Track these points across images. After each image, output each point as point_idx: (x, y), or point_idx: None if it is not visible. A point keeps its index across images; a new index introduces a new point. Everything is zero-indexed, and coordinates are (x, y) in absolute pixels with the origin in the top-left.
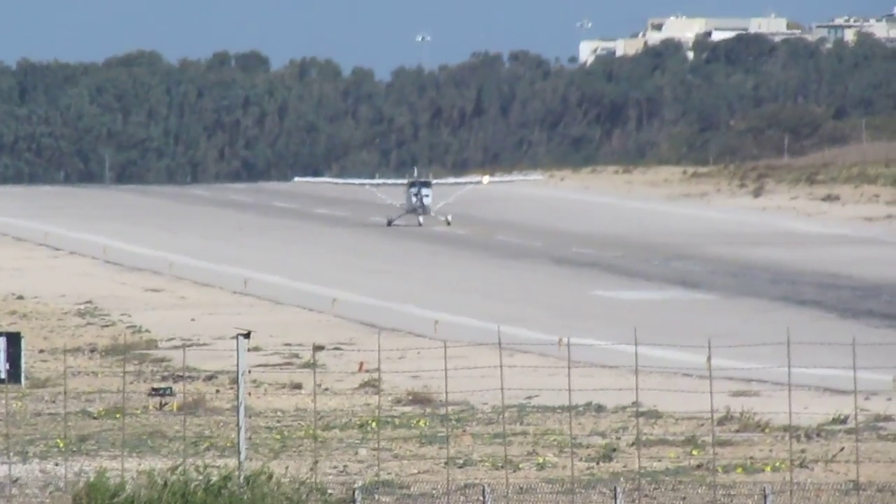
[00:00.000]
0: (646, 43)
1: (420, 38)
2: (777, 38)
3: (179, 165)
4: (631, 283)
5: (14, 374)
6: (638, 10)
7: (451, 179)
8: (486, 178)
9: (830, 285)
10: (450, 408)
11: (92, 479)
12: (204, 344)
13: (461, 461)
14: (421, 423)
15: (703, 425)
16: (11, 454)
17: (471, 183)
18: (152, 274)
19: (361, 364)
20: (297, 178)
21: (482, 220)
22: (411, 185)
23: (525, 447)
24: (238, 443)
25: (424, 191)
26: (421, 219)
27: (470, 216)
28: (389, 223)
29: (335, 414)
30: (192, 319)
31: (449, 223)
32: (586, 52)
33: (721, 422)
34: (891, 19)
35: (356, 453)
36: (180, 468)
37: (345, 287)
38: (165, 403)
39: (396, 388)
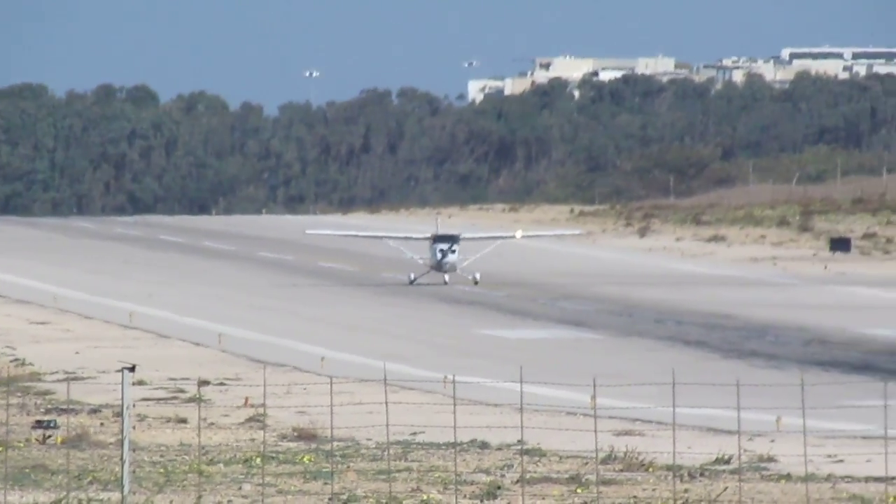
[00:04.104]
0: (533, 82)
1: (309, 74)
2: (665, 79)
3: (65, 198)
4: (516, 322)
5: None
6: (526, 49)
7: (481, 234)
8: (519, 233)
9: (716, 326)
10: (335, 444)
11: None
12: (88, 377)
13: (345, 497)
14: (306, 458)
15: (587, 464)
16: None
17: (503, 237)
18: (37, 307)
19: (247, 399)
20: (308, 231)
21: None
22: (436, 239)
23: (409, 484)
24: (122, 477)
25: (451, 246)
26: (447, 277)
27: (352, 255)
28: (412, 282)
29: (220, 449)
30: (77, 352)
31: (477, 282)
32: (474, 90)
33: (605, 461)
34: (778, 62)
35: (240, 488)
36: (63, 502)
37: (232, 322)
38: (49, 436)
39: (282, 424)
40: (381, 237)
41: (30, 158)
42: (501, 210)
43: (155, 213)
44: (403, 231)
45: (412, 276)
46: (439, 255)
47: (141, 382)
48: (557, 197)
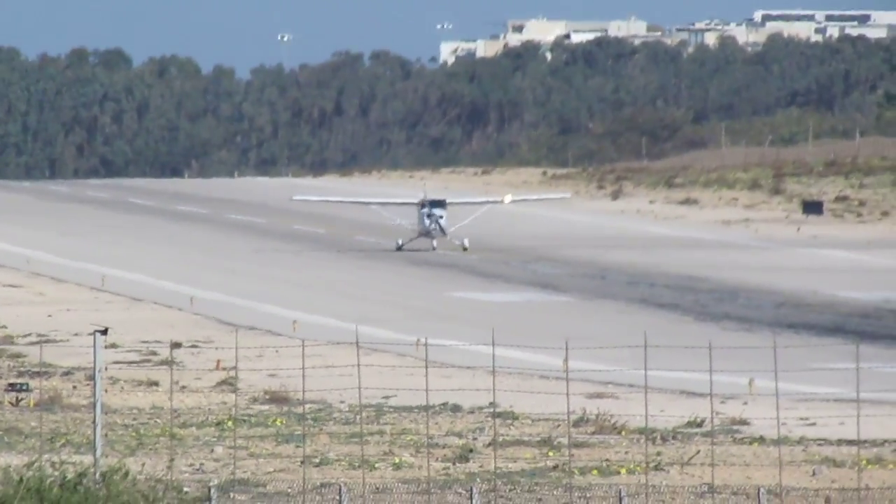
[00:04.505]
0: (506, 45)
1: (281, 38)
2: (637, 41)
3: (37, 162)
4: (489, 285)
5: None
6: (498, 11)
7: (469, 199)
8: (508, 197)
9: (688, 288)
10: (307, 407)
11: None
12: (61, 340)
13: (317, 460)
14: (278, 421)
15: (559, 427)
16: None
17: (491, 202)
18: (10, 270)
19: (219, 362)
20: (295, 197)
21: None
22: (423, 205)
23: (382, 447)
24: (94, 440)
25: (438, 211)
26: (435, 242)
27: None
28: (399, 248)
29: (192, 412)
30: (49, 315)
31: (466, 248)
32: (446, 52)
33: (577, 423)
34: (751, 24)
35: (212, 451)
36: (36, 464)
37: (204, 285)
38: (22, 399)
39: (253, 387)
40: (369, 203)
41: (2, 122)
42: (473, 173)
43: (127, 177)
44: (395, 196)
45: (400, 242)
46: (428, 221)
47: (113, 346)
48: (529, 160)
